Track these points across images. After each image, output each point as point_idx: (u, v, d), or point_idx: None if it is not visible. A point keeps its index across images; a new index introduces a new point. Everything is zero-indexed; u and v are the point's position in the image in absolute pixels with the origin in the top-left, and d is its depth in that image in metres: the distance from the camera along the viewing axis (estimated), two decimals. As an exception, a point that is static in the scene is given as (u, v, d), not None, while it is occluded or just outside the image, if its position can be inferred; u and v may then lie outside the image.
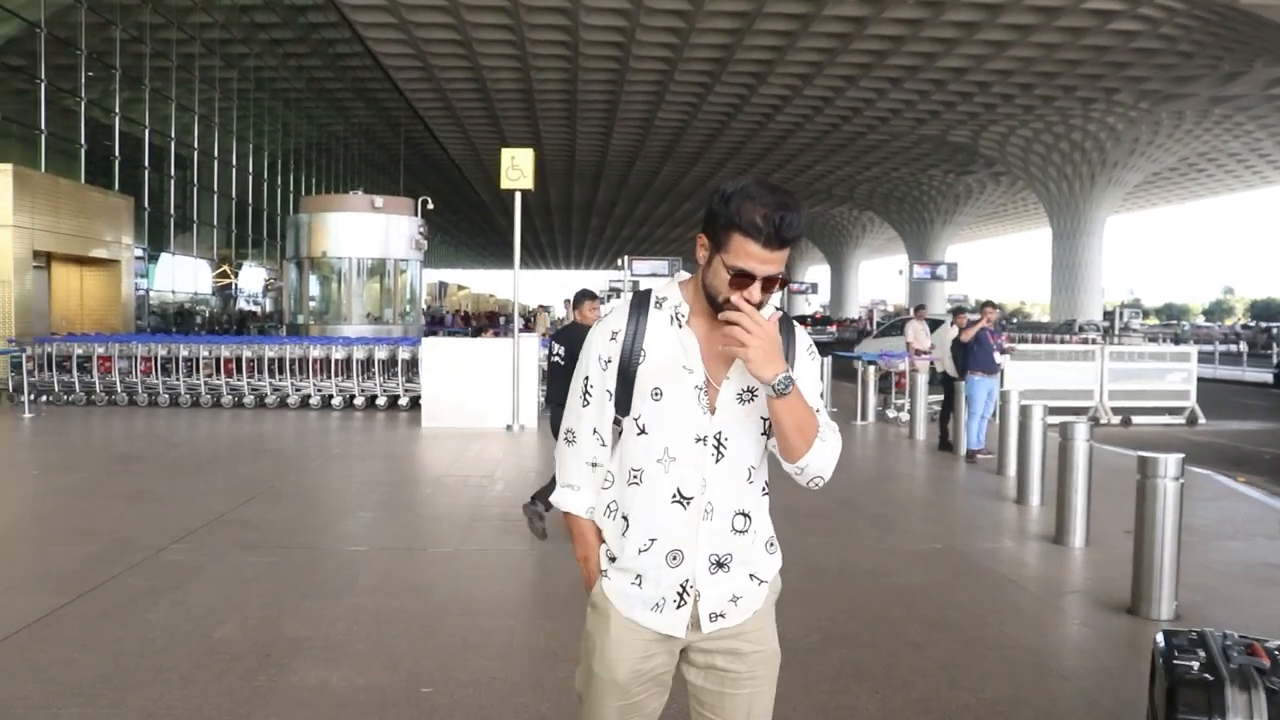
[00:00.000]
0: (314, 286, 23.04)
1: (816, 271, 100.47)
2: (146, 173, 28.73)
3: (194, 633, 5.16)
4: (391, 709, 4.25)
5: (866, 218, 73.92)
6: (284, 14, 34.95)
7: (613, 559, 2.32)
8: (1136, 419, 17.26)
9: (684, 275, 2.38)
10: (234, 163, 35.55)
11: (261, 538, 7.39)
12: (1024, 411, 9.51)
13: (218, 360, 16.94)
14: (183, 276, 32.33)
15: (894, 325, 35.18)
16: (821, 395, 2.37)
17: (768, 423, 2.27)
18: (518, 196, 14.62)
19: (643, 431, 2.27)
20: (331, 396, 16.64)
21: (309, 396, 16.67)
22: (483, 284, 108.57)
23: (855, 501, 9.24)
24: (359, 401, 16.59)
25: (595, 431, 2.34)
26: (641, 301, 2.35)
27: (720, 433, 2.24)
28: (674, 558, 2.24)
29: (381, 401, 16.61)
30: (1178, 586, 5.73)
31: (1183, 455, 5.84)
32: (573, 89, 39.06)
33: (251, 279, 39.42)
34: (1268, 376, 28.00)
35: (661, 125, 44.97)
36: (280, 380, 16.79)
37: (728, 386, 2.25)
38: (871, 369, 16.63)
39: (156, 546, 6.94)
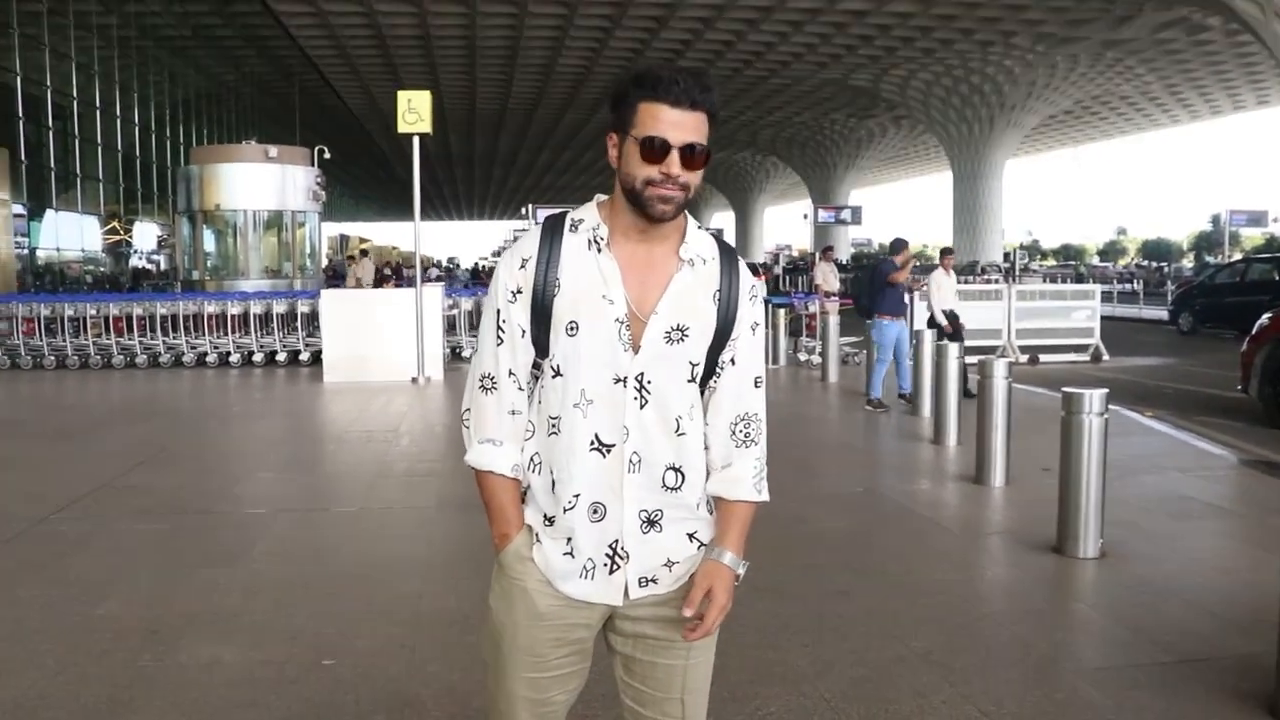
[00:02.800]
0: (209, 241, 22.15)
1: (721, 218, 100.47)
2: (21, 123, 27.27)
3: (73, 611, 4.75)
4: (290, 686, 3.93)
5: (770, 163, 73.86)
6: (166, -44, 33.39)
7: (549, 520, 2.02)
8: (1043, 357, 17.44)
9: (602, 197, 2.08)
10: (119, 114, 33.99)
11: (152, 504, 6.95)
12: (939, 351, 9.43)
13: (107, 319, 16.19)
14: (69, 234, 30.93)
15: None
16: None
17: (695, 368, 2.03)
18: (416, 141, 14.08)
19: (558, 373, 2.00)
20: (229, 353, 16.03)
21: (205, 354, 16.03)
22: (385, 236, 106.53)
23: (773, 446, 8.97)
24: (258, 358, 16.01)
25: (512, 374, 2.03)
26: (555, 225, 2.05)
27: (643, 374, 1.97)
28: (595, 511, 1.98)
29: (281, 357, 16.06)
30: (1103, 524, 5.64)
31: (1106, 391, 5.75)
32: (471, 34, 38.09)
33: (144, 235, 37.97)
34: (1163, 314, 28.63)
35: (563, 71, 44.18)
36: (175, 338, 16.12)
37: (655, 322, 1.98)
38: (782, 311, 16.52)
39: (36, 517, 6.47)
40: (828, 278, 17.46)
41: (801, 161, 65.28)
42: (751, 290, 2.09)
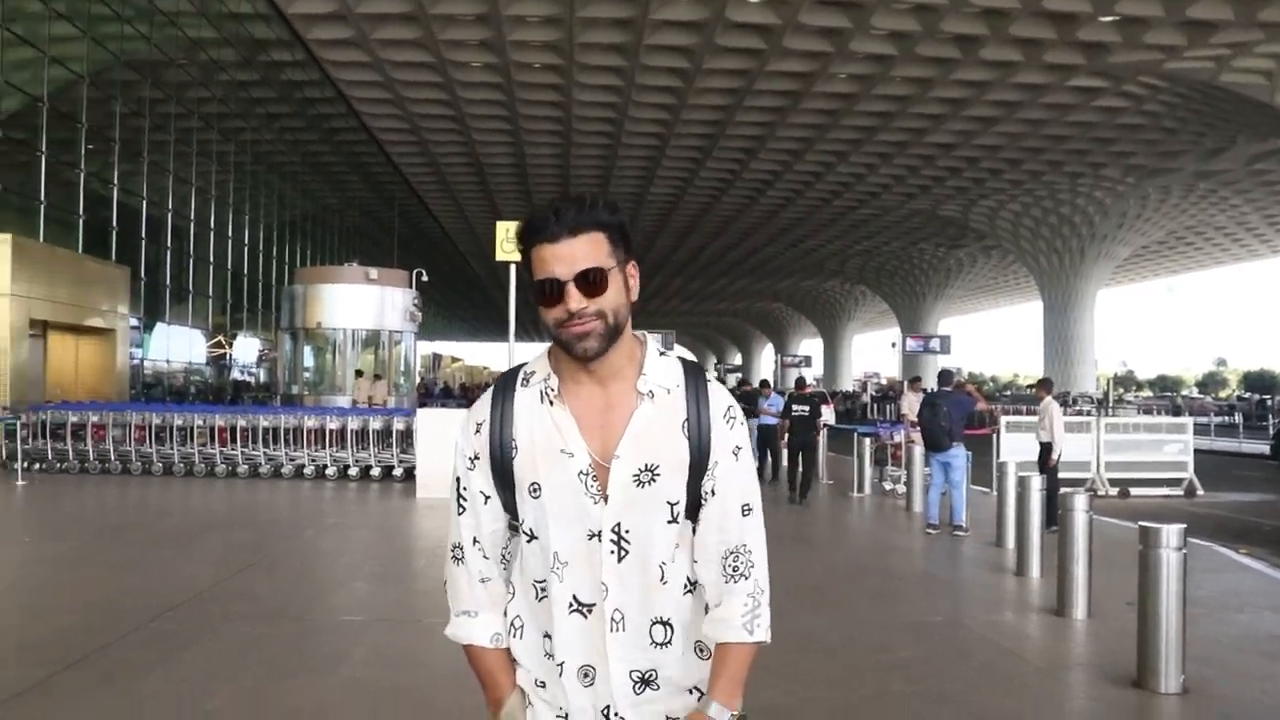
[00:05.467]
0: (308, 357, 23.07)
1: (810, 345, 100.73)
2: (144, 243, 28.84)
3: (186, 704, 5.06)
4: (388, 784, 4.15)
5: (859, 291, 74.27)
6: (281, 89, 35.47)
7: (541, 684, 1.95)
8: (1134, 490, 17.18)
9: None
10: (230, 234, 35.71)
11: (253, 609, 7.29)
12: (1021, 483, 9.47)
13: (212, 429, 16.88)
14: (178, 346, 32.30)
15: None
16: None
17: (675, 508, 1.89)
18: (512, 269, 14.69)
19: (532, 537, 1.92)
20: (325, 466, 16.55)
21: (303, 466, 16.57)
22: (477, 356, 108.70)
23: (854, 575, 9.15)
24: (353, 471, 16.49)
25: (477, 542, 1.97)
26: (507, 383, 1.97)
27: (619, 524, 1.86)
28: (585, 675, 1.90)
29: (375, 472, 16.52)
30: (1184, 659, 5.65)
31: (1184, 526, 5.80)
32: (565, 163, 39.44)
33: (246, 349, 39.43)
34: (1264, 448, 27.96)
35: (653, 200, 45.34)
36: (274, 450, 16.71)
37: (619, 466, 1.86)
38: (868, 440, 16.58)
39: (147, 617, 6.83)
40: (914, 407, 17.47)
41: (890, 290, 65.55)
42: (727, 413, 1.93)
